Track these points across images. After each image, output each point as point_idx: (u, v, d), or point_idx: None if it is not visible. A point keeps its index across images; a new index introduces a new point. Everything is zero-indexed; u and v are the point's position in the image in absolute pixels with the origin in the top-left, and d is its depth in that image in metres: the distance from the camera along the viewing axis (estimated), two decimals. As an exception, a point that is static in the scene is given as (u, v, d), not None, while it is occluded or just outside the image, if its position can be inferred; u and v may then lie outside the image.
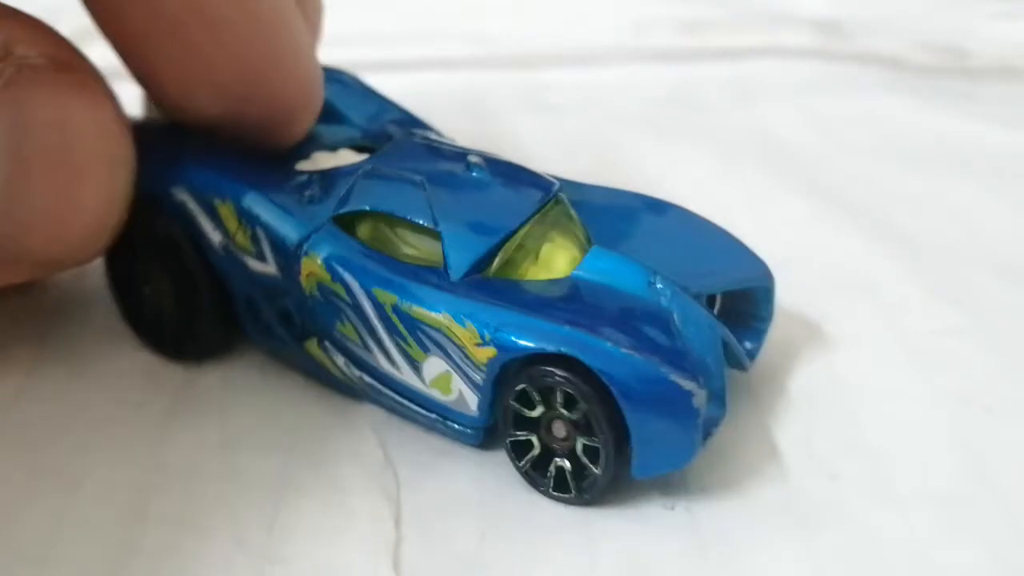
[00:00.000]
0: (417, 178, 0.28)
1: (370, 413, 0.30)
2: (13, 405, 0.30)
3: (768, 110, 0.48)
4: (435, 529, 0.26)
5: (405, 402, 0.28)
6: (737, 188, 0.41)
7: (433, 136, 0.33)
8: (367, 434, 0.29)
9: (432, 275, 0.27)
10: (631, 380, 0.24)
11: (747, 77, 0.51)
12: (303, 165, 0.31)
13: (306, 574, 0.25)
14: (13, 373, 0.31)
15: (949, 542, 0.25)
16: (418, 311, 0.27)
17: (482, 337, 0.26)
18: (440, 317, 0.26)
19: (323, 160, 0.31)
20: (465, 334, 0.26)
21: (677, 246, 0.29)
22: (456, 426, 0.28)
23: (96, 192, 0.27)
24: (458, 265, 0.27)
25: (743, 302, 0.29)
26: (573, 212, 0.29)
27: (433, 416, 0.28)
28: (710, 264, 0.29)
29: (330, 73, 0.34)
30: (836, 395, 0.30)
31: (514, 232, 0.28)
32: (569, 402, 0.25)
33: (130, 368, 0.31)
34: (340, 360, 0.29)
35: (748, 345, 0.29)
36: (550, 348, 0.25)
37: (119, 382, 0.31)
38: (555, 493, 0.27)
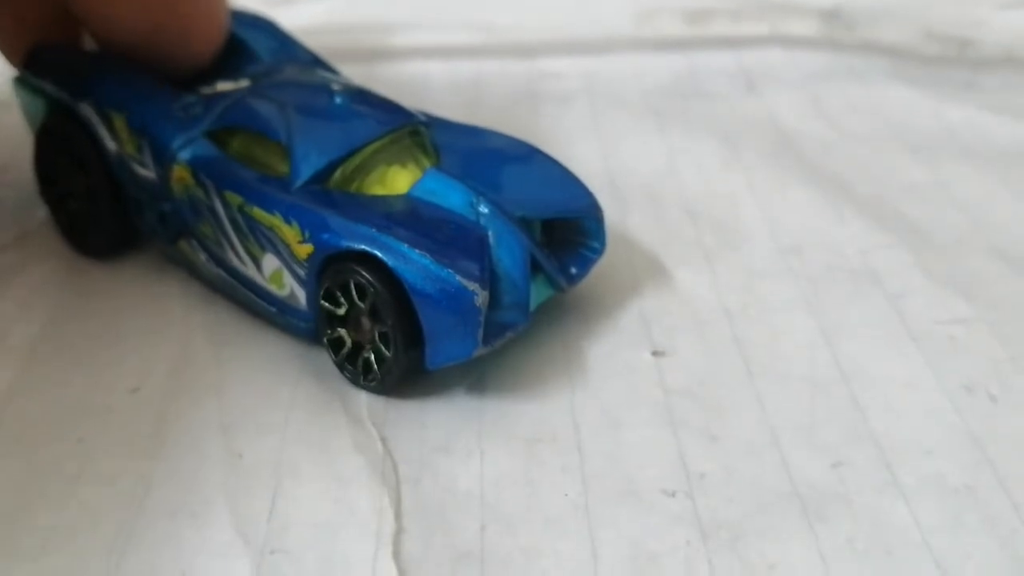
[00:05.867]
0: (282, 102, 0.32)
1: (369, 405, 0.30)
2: (10, 398, 0.30)
3: (773, 99, 0.48)
4: (435, 521, 0.26)
5: (253, 296, 0.32)
6: (742, 176, 0.41)
7: (323, 73, 0.37)
8: (366, 427, 0.29)
9: (278, 183, 0.31)
10: (420, 277, 0.28)
11: (752, 66, 0.51)
12: (205, 90, 0.35)
13: (306, 564, 0.25)
14: (9, 366, 0.31)
15: (954, 530, 0.25)
16: (257, 211, 0.30)
17: (303, 235, 0.29)
18: (273, 217, 0.30)
19: (223, 88, 0.35)
20: (290, 232, 0.30)
21: (520, 179, 0.32)
22: (292, 320, 0.31)
23: None
24: (298, 175, 0.30)
25: (574, 232, 0.32)
26: (429, 143, 0.33)
27: (274, 310, 0.31)
28: (541, 195, 0.32)
29: (247, 17, 0.40)
30: (840, 383, 0.30)
31: (355, 151, 0.31)
32: (363, 294, 0.28)
33: (124, 355, 0.31)
34: (203, 257, 0.33)
35: (573, 270, 0.32)
36: (354, 246, 0.28)
37: (114, 370, 0.31)
38: (363, 382, 0.30)
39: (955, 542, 0.25)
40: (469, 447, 0.28)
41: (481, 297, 0.28)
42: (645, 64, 0.51)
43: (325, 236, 0.29)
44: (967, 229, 0.38)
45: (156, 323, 0.33)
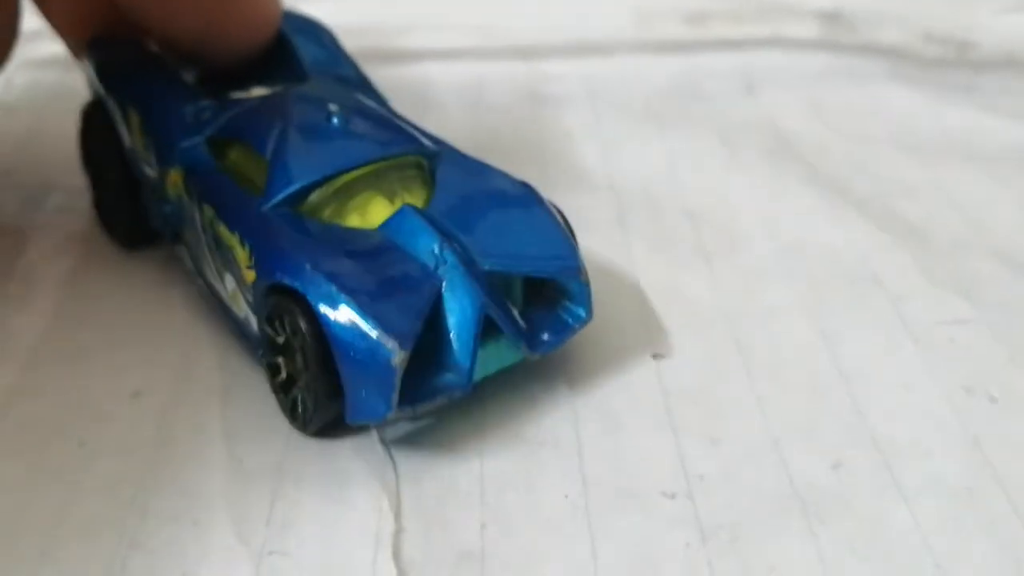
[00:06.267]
0: (285, 117, 0.31)
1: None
2: (10, 401, 0.30)
3: (772, 101, 0.48)
4: (435, 521, 0.26)
5: (227, 311, 0.31)
6: (741, 178, 0.41)
7: (355, 92, 0.35)
8: (367, 428, 0.29)
9: (252, 201, 0.29)
10: (342, 323, 0.26)
11: (751, 68, 0.51)
12: (235, 94, 0.35)
13: (306, 565, 0.25)
14: (9, 368, 0.31)
15: (955, 533, 0.25)
16: (221, 228, 0.29)
17: (250, 260, 0.28)
18: (232, 237, 0.29)
19: (258, 93, 0.35)
20: (242, 255, 0.29)
21: (506, 228, 0.29)
22: (250, 343, 0.30)
23: None
24: (270, 195, 0.29)
25: (560, 295, 0.30)
26: (427, 175, 0.31)
27: (240, 331, 0.30)
28: (522, 249, 0.29)
29: (304, 22, 0.39)
30: (840, 384, 0.30)
31: (333, 176, 0.29)
32: (295, 331, 0.27)
33: (127, 359, 0.31)
34: (189, 265, 0.33)
35: (545, 336, 0.29)
36: (285, 280, 0.27)
37: (116, 373, 0.31)
38: (290, 419, 0.28)
39: (955, 544, 0.25)
40: (470, 448, 0.28)
41: (398, 357, 0.25)
42: (645, 66, 0.52)
43: (265, 265, 0.28)
44: (967, 231, 0.38)
45: (159, 328, 0.33)
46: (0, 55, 0.35)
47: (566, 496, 0.27)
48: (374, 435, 0.28)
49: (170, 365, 0.31)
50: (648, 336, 0.32)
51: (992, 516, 0.26)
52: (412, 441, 0.28)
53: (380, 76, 0.37)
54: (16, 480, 0.27)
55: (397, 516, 0.26)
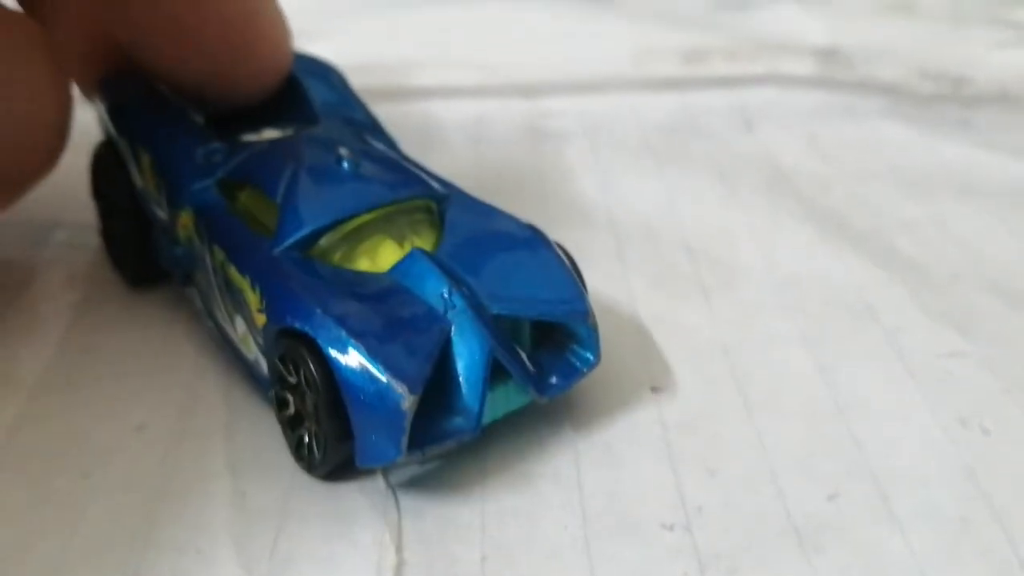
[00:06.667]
0: (297, 161, 0.31)
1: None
2: (15, 432, 0.30)
3: (769, 137, 0.49)
4: (436, 554, 0.26)
5: (238, 355, 0.31)
6: (739, 214, 0.42)
7: (366, 135, 0.35)
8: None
9: (262, 244, 0.30)
10: (352, 368, 0.26)
11: (748, 105, 0.52)
12: (247, 136, 0.35)
13: (309, 597, 0.25)
14: (14, 399, 0.31)
15: (950, 562, 0.26)
16: (232, 271, 0.30)
17: (261, 303, 0.28)
18: (243, 280, 0.29)
19: (269, 135, 0.35)
20: (253, 299, 0.29)
21: (513, 271, 0.29)
22: (260, 385, 0.30)
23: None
24: (281, 239, 0.29)
25: (567, 339, 0.30)
26: (435, 219, 0.31)
27: (249, 372, 0.31)
28: (530, 293, 0.29)
29: (315, 64, 0.39)
30: (837, 416, 0.30)
31: (343, 220, 0.30)
32: (309, 376, 0.27)
33: (132, 391, 0.32)
34: (199, 306, 0.33)
35: (554, 380, 0.29)
36: (296, 324, 0.27)
37: (121, 406, 0.31)
38: (295, 456, 0.29)
39: (950, 573, 0.25)
40: (471, 482, 0.28)
41: (408, 401, 0.25)
42: (643, 103, 0.52)
43: (276, 309, 0.28)
44: (963, 265, 0.38)
45: (166, 361, 0.33)
46: (53, 152, 0.34)
47: (566, 528, 0.27)
48: (378, 472, 0.29)
49: (175, 399, 0.31)
50: (647, 369, 0.32)
51: (987, 545, 0.26)
52: (414, 476, 0.28)
53: (384, 112, 0.37)
54: (20, 510, 0.27)
55: (399, 549, 0.26)
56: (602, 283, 0.36)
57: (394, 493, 0.28)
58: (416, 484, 0.28)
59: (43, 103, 0.32)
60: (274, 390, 0.29)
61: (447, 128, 0.50)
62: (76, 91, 0.38)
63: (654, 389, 0.32)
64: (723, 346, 0.33)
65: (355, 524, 0.27)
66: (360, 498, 0.28)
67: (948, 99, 0.53)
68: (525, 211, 0.32)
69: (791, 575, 0.25)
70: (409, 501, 0.28)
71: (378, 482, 0.28)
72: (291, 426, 0.28)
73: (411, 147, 0.37)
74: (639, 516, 0.27)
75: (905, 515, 0.27)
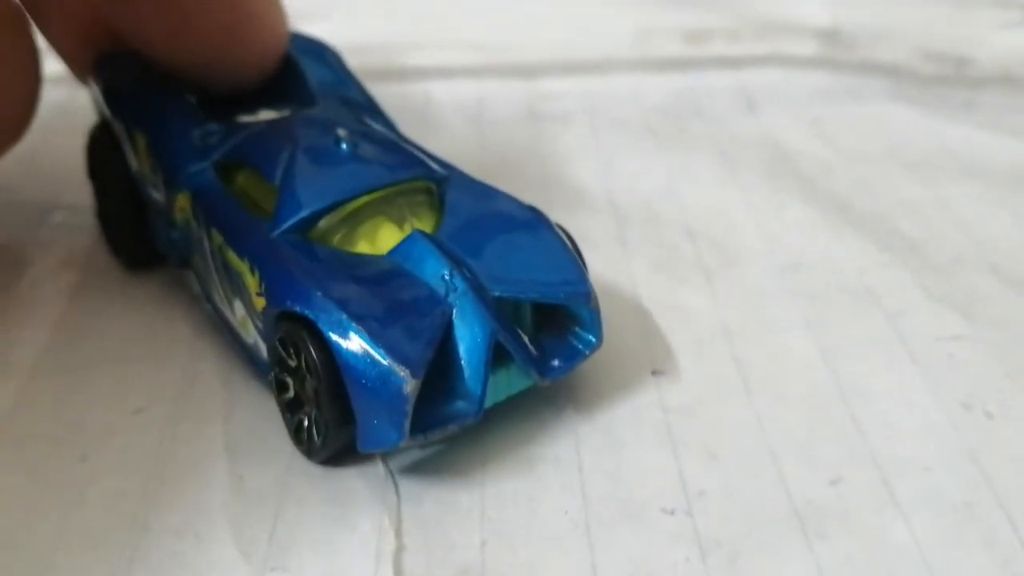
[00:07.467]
0: (294, 142, 0.31)
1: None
2: (12, 415, 0.30)
3: (771, 118, 0.48)
4: (436, 538, 0.26)
5: (232, 338, 0.31)
6: (741, 196, 0.42)
7: (363, 116, 0.35)
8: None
9: (261, 227, 0.29)
10: (353, 351, 0.26)
11: (750, 86, 0.51)
12: (242, 118, 0.34)
13: (307, 581, 0.25)
14: (11, 382, 0.31)
15: (953, 547, 0.25)
16: (230, 254, 0.29)
17: (260, 287, 0.28)
18: (242, 263, 0.29)
19: (265, 117, 0.35)
20: (252, 282, 0.28)
21: (514, 253, 0.29)
22: (258, 369, 0.30)
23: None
24: (279, 222, 0.29)
25: (568, 321, 0.30)
26: (435, 200, 0.31)
27: (248, 356, 0.30)
28: (531, 274, 0.29)
29: (311, 44, 0.39)
30: (839, 400, 0.30)
31: (342, 202, 0.29)
32: (309, 360, 0.27)
33: (130, 375, 0.31)
34: (197, 289, 0.32)
35: (556, 363, 0.29)
36: (296, 308, 0.27)
37: (119, 389, 0.31)
38: (294, 441, 0.28)
39: (953, 558, 0.25)
40: (471, 466, 0.28)
41: (410, 385, 0.25)
42: (644, 84, 0.52)
43: (275, 292, 0.28)
44: (965, 247, 0.38)
45: (162, 344, 0.33)
46: (19, 125, 0.35)
47: (566, 512, 0.27)
48: (376, 456, 0.28)
49: (173, 382, 0.31)
50: (648, 353, 0.32)
51: (990, 530, 0.26)
52: (414, 461, 0.28)
53: (382, 93, 0.37)
54: (18, 494, 0.27)
55: (398, 533, 0.26)
56: (603, 266, 0.36)
57: (393, 477, 0.28)
58: (416, 468, 0.28)
59: (10, 74, 0.32)
60: (273, 372, 0.28)
61: (446, 109, 0.49)
62: (68, 72, 0.38)
63: (655, 372, 0.31)
64: (724, 329, 0.33)
65: (354, 508, 0.27)
66: (359, 482, 0.28)
67: (951, 81, 0.52)
68: (525, 193, 0.32)
69: (793, 560, 0.25)
70: (408, 485, 0.28)
71: (377, 466, 0.28)
72: (290, 410, 0.28)
73: (410, 128, 0.36)
74: (640, 500, 0.27)
75: (907, 500, 0.27)
